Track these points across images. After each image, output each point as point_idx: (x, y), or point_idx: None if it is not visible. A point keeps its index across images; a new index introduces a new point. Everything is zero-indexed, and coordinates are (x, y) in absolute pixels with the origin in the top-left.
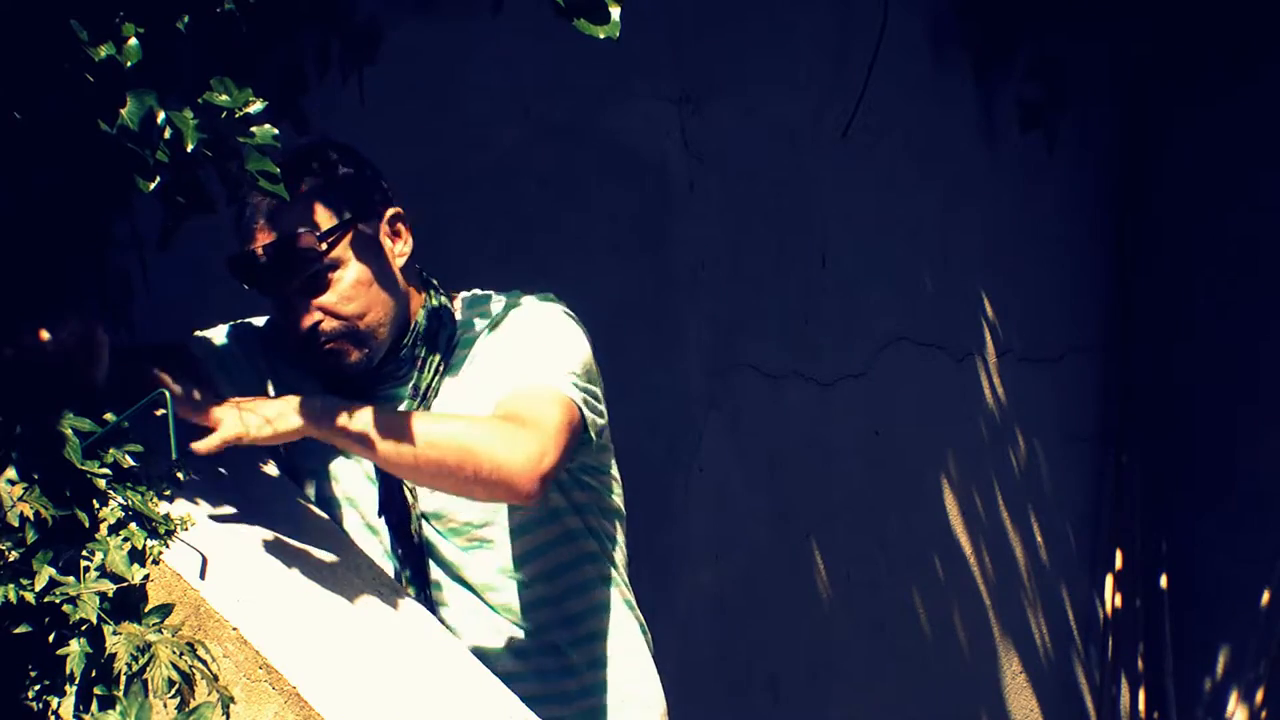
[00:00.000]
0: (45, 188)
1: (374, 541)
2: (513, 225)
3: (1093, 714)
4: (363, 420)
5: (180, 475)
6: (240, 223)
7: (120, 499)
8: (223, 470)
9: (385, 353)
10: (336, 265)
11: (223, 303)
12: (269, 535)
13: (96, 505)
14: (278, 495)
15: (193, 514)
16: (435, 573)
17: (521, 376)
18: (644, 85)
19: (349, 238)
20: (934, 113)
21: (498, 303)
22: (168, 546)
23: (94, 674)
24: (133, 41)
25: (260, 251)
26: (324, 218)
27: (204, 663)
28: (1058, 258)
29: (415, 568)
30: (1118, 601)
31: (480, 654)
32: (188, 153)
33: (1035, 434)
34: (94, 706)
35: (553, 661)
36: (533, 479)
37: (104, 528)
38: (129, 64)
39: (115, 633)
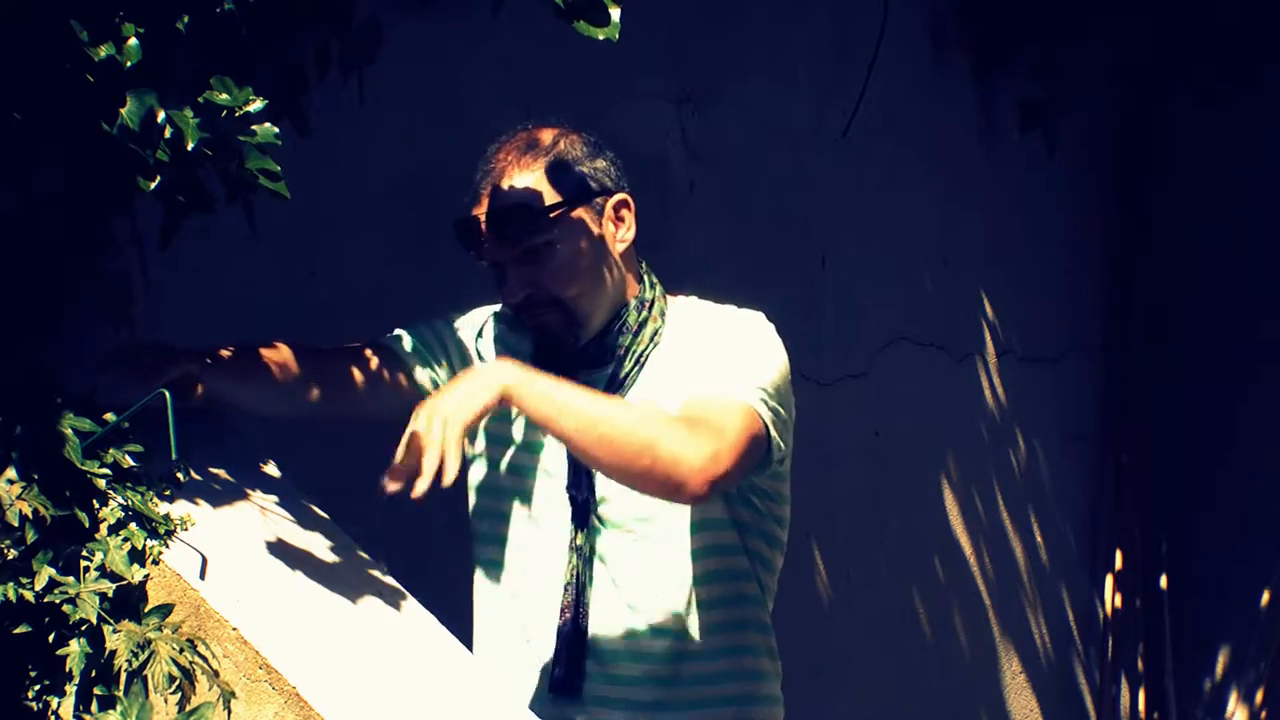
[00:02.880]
0: (45, 188)
1: (566, 513)
2: None
3: (1092, 714)
4: (556, 392)
5: (180, 475)
6: (471, 186)
7: (120, 499)
8: (223, 470)
9: (594, 335)
10: (554, 241)
11: (223, 303)
12: (269, 535)
13: (96, 505)
14: (278, 495)
15: (193, 514)
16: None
17: (713, 382)
18: (644, 85)
19: (570, 217)
20: (934, 113)
21: (707, 308)
22: (168, 546)
23: (94, 674)
24: (133, 41)
25: (482, 218)
26: (548, 194)
27: (204, 659)
28: (1057, 257)
29: (590, 546)
30: (1118, 601)
31: (603, 647)
32: (188, 152)
33: (1035, 434)
34: (94, 706)
35: (668, 669)
36: (703, 481)
37: (104, 527)
38: (129, 64)
39: (115, 632)
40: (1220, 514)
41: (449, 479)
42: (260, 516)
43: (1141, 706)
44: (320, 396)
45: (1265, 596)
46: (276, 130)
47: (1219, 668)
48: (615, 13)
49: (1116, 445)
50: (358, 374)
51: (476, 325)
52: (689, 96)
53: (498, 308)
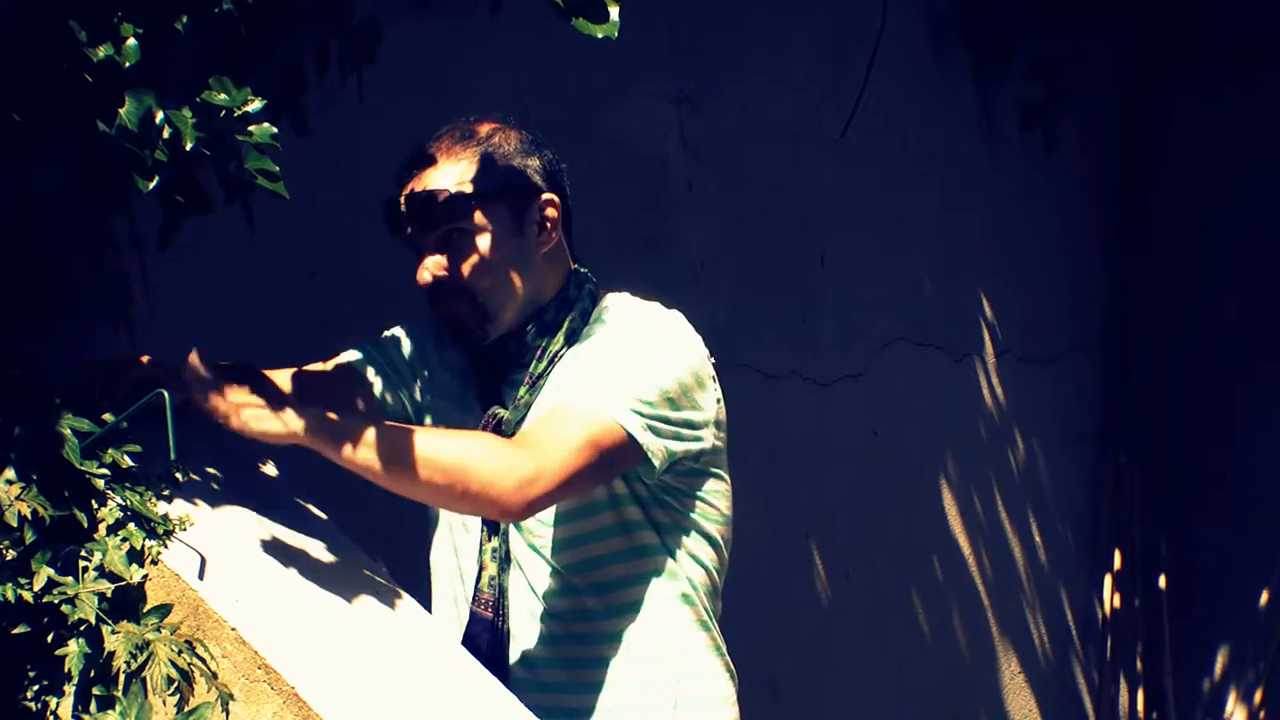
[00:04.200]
0: (44, 188)
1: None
2: None
3: (1091, 714)
4: (353, 435)
5: (179, 475)
6: (400, 168)
7: (119, 499)
8: (221, 470)
9: (514, 332)
10: (470, 231)
11: (222, 303)
12: (268, 535)
13: (95, 505)
14: (277, 495)
15: (191, 514)
16: (513, 557)
17: (576, 391)
18: (643, 85)
19: (489, 208)
20: (933, 113)
21: (623, 307)
22: (166, 546)
23: (93, 674)
24: (131, 41)
25: (403, 199)
26: (471, 183)
27: (202, 660)
28: (1056, 257)
29: (504, 553)
30: (1116, 602)
31: (528, 658)
32: (186, 152)
33: (1034, 434)
34: (93, 706)
35: (592, 674)
36: (520, 501)
37: (103, 528)
38: (128, 64)
39: (114, 632)
40: (1219, 514)
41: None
42: (259, 517)
43: (1140, 706)
44: None
45: (1264, 596)
46: (275, 130)
47: (1218, 668)
48: (614, 10)
49: (1115, 445)
50: (321, 397)
51: (418, 336)
52: (688, 96)
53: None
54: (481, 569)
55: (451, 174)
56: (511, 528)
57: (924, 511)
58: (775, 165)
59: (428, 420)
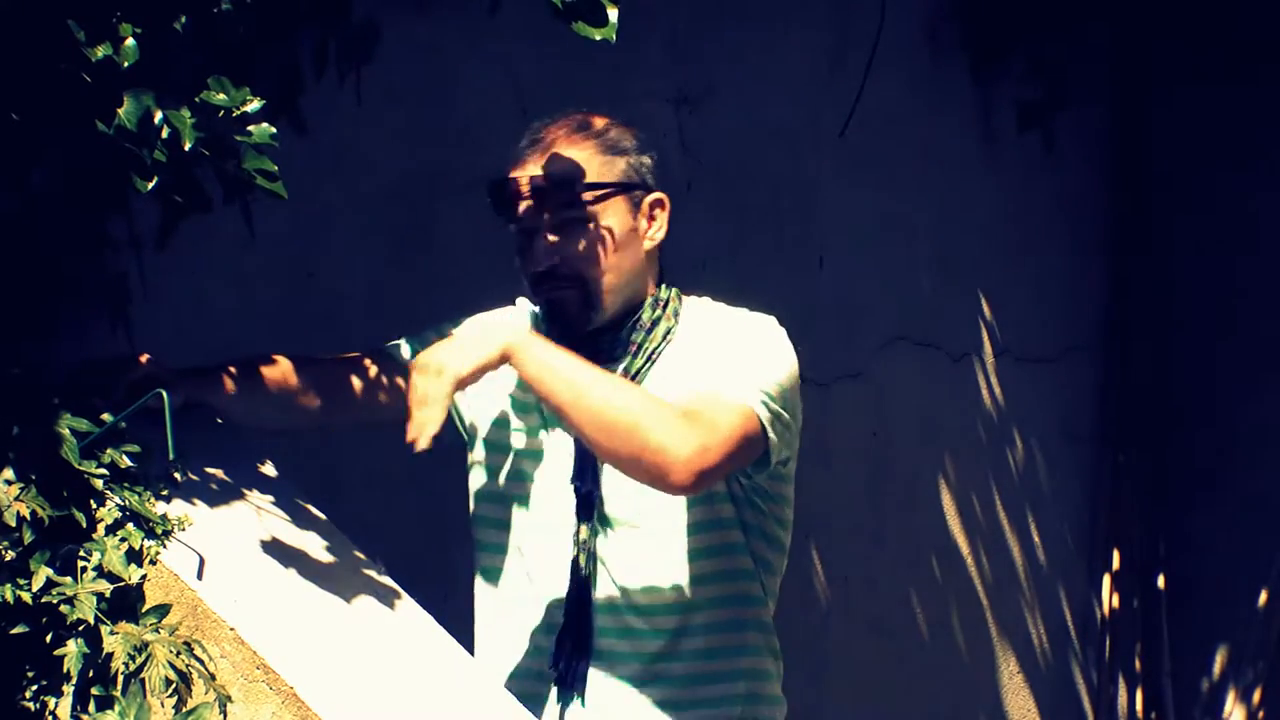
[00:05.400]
0: (43, 188)
1: (570, 516)
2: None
3: (1090, 714)
4: (556, 359)
5: (178, 475)
6: (514, 149)
7: (118, 499)
8: (220, 470)
9: (607, 327)
10: (589, 219)
11: (221, 303)
12: (267, 535)
13: (94, 505)
14: (277, 495)
15: (190, 514)
16: (600, 550)
17: (715, 379)
18: (641, 86)
19: (610, 201)
20: (931, 112)
21: (720, 309)
22: (165, 546)
23: (91, 674)
24: (130, 41)
25: (525, 180)
26: (594, 173)
27: (201, 662)
28: (1055, 257)
29: (594, 544)
30: (1115, 601)
31: (605, 646)
32: (185, 152)
33: (1033, 434)
34: (91, 706)
35: (670, 668)
36: (689, 472)
37: (101, 528)
38: (126, 64)
39: (112, 633)
40: (1218, 514)
41: (425, 438)
42: (257, 516)
43: (1139, 706)
44: (321, 407)
45: (1263, 596)
46: (274, 130)
47: (1217, 668)
48: (613, 13)
49: (1114, 445)
50: (357, 382)
51: None
52: (687, 97)
53: (505, 308)
54: (571, 562)
55: (574, 162)
56: (599, 520)
57: (922, 511)
58: (773, 165)
59: (485, 425)
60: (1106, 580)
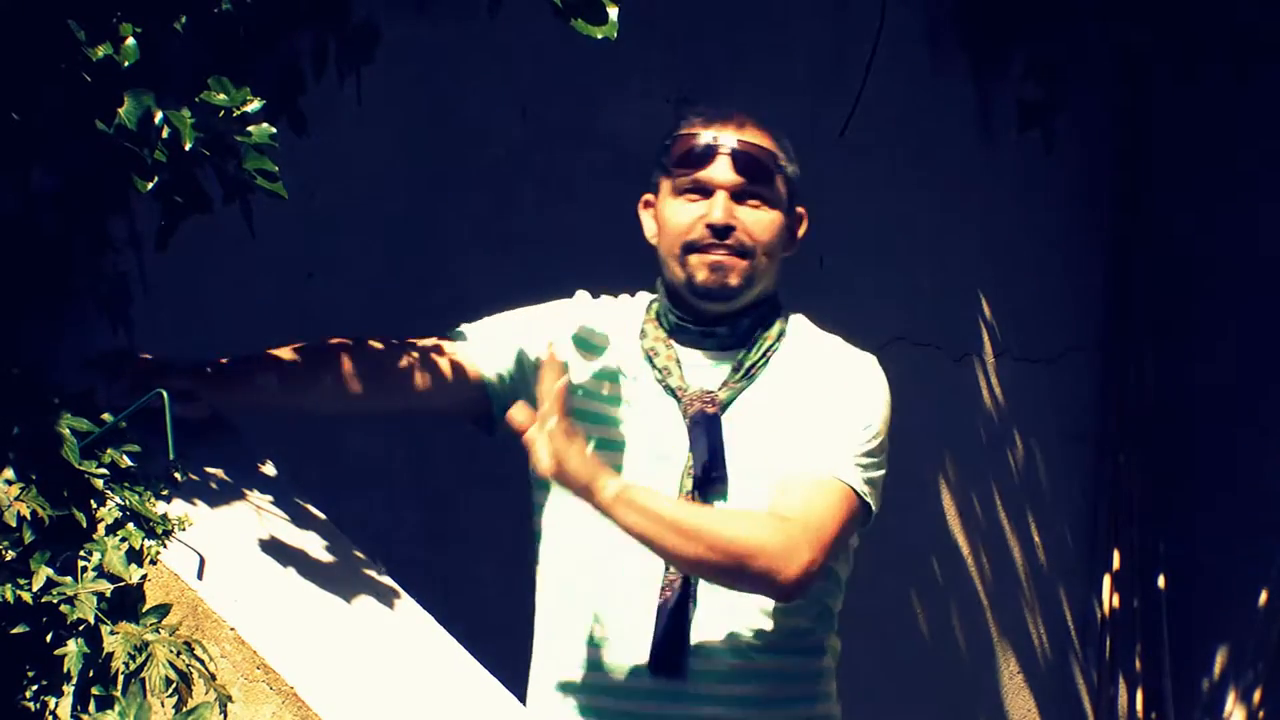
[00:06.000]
0: (43, 188)
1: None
2: (510, 225)
3: (1090, 714)
4: (652, 504)
5: (178, 475)
6: (713, 110)
7: (118, 499)
8: (220, 470)
9: (733, 314)
10: (771, 201)
11: (221, 303)
12: (267, 535)
13: (94, 505)
14: (277, 495)
15: (190, 514)
16: None
17: (815, 454)
18: (641, 85)
19: (788, 191)
20: (931, 112)
21: (822, 334)
22: (165, 546)
23: (91, 674)
24: (130, 41)
25: (738, 141)
26: (787, 160)
27: (201, 662)
28: (1055, 257)
29: None
30: (1115, 602)
31: (704, 648)
32: (185, 152)
33: (1033, 434)
34: (92, 706)
35: (762, 663)
36: (797, 585)
37: (101, 528)
38: (126, 63)
39: (113, 633)
40: (1218, 514)
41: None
42: (258, 516)
43: (1139, 707)
44: (374, 391)
45: (1263, 597)
46: (274, 131)
47: (1217, 668)
48: (613, 11)
49: (1114, 445)
50: (417, 372)
51: (566, 316)
52: (686, 97)
53: (594, 305)
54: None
55: (770, 142)
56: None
57: (923, 511)
58: None
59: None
60: (1106, 580)
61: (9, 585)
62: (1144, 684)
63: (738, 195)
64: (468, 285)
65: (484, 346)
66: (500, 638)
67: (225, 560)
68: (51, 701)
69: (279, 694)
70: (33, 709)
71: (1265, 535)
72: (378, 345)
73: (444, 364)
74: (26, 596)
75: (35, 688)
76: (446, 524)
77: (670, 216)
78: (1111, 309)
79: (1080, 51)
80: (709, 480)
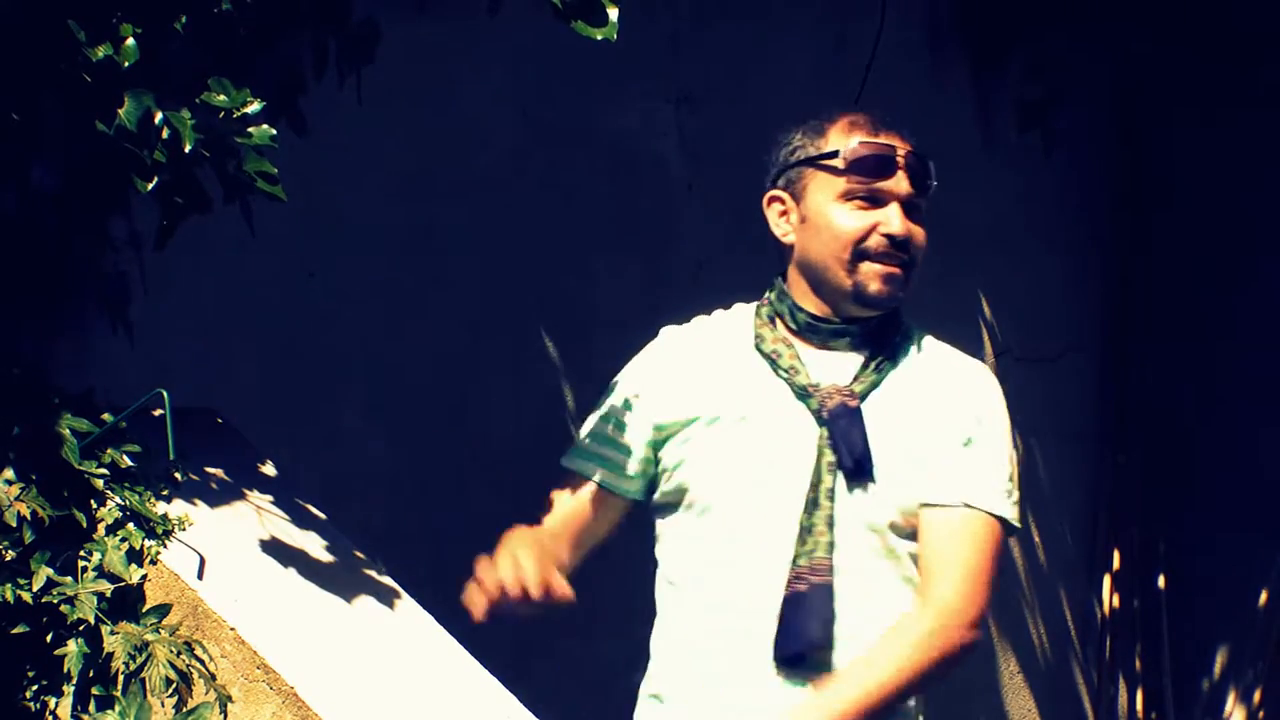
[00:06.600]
0: (43, 188)
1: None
2: (510, 226)
3: (1090, 714)
4: (848, 708)
5: (178, 475)
6: (875, 115)
7: (118, 499)
8: (220, 470)
9: (860, 319)
10: (924, 211)
11: (220, 304)
12: (267, 535)
13: (94, 505)
14: (277, 495)
15: (190, 514)
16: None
17: (966, 488)
18: (642, 86)
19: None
20: (932, 113)
21: (935, 340)
22: (165, 546)
23: (92, 674)
24: (130, 42)
25: (914, 154)
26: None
27: (201, 662)
28: (1055, 257)
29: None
30: (1115, 602)
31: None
32: (185, 153)
33: (1033, 434)
34: (92, 706)
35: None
36: (978, 630)
37: (102, 528)
38: (126, 64)
39: (113, 633)
40: (1218, 514)
41: None
42: (258, 517)
43: (1139, 706)
44: (576, 555)
45: (1263, 596)
46: (274, 132)
47: (1217, 668)
48: (613, 12)
49: (1114, 445)
50: (585, 523)
51: (664, 365)
52: (687, 97)
53: (689, 332)
54: (817, 543)
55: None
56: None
57: None
58: None
59: (683, 431)
60: (1106, 580)
61: (9, 585)
62: (1144, 684)
63: (911, 206)
64: (467, 285)
65: (619, 473)
66: (500, 637)
67: (225, 560)
68: (51, 701)
69: (279, 694)
70: (33, 709)
71: (1265, 535)
72: (556, 528)
73: (606, 508)
74: (26, 596)
75: (35, 688)
76: (446, 524)
77: (837, 221)
78: (1111, 309)
79: (1080, 52)
80: (860, 473)
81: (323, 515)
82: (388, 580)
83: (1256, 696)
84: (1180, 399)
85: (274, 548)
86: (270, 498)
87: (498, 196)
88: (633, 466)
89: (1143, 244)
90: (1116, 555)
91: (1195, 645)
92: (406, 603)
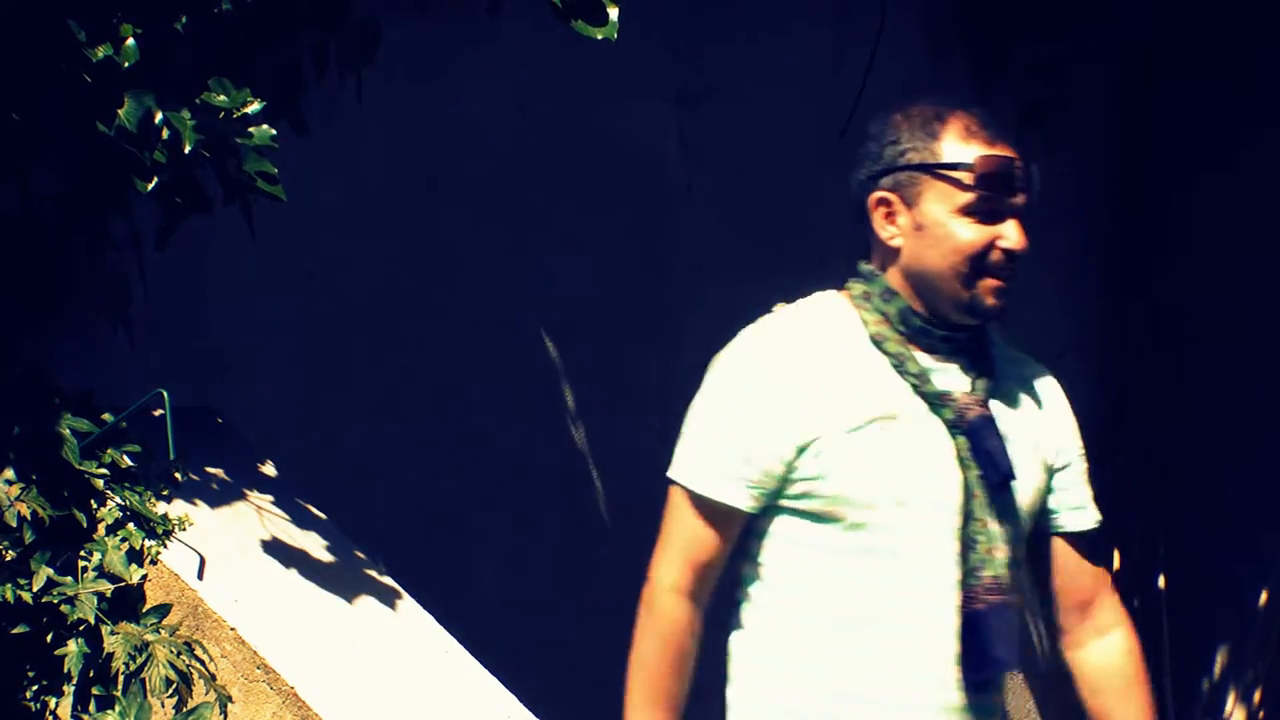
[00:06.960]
0: (44, 188)
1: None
2: (510, 225)
3: None
4: None
5: (178, 475)
6: (987, 123)
7: (118, 499)
8: (221, 470)
9: (964, 325)
10: (1023, 219)
11: (220, 304)
12: (268, 535)
13: (94, 505)
14: (277, 495)
15: (191, 514)
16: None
17: (1092, 509)
18: (642, 85)
19: None
20: None
21: (1006, 343)
22: (166, 546)
23: (92, 674)
24: (130, 42)
25: (1026, 167)
26: None
27: (201, 662)
28: (1056, 257)
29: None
30: None
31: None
32: (185, 153)
33: None
34: (92, 706)
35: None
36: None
37: (102, 528)
38: (127, 64)
39: (113, 633)
40: (1219, 514)
41: None
42: (258, 517)
43: None
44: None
45: (1263, 597)
46: (274, 133)
47: (1217, 668)
48: (614, 12)
49: (1113, 445)
50: (725, 555)
51: (784, 370)
52: (687, 97)
53: (786, 338)
54: (984, 559)
55: None
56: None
57: None
58: (774, 165)
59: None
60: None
61: (9, 585)
62: None
63: (1021, 215)
64: (467, 285)
65: (763, 494)
66: (500, 638)
67: (226, 560)
68: (51, 701)
69: (279, 694)
70: (33, 709)
71: (1265, 535)
72: (702, 584)
73: (737, 532)
74: (27, 596)
75: (35, 688)
76: (446, 524)
77: (959, 235)
78: (1112, 309)
79: (1080, 52)
80: (1004, 487)
81: (323, 515)
82: (388, 580)
83: (1256, 696)
84: (1180, 399)
85: (274, 548)
86: (270, 498)
87: (498, 196)
88: (771, 484)
89: (1143, 244)
90: (1116, 555)
91: (1195, 645)
92: (406, 603)
